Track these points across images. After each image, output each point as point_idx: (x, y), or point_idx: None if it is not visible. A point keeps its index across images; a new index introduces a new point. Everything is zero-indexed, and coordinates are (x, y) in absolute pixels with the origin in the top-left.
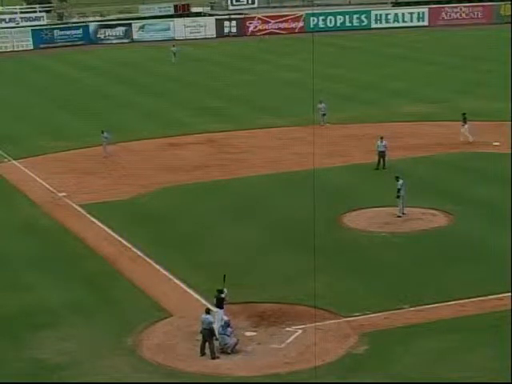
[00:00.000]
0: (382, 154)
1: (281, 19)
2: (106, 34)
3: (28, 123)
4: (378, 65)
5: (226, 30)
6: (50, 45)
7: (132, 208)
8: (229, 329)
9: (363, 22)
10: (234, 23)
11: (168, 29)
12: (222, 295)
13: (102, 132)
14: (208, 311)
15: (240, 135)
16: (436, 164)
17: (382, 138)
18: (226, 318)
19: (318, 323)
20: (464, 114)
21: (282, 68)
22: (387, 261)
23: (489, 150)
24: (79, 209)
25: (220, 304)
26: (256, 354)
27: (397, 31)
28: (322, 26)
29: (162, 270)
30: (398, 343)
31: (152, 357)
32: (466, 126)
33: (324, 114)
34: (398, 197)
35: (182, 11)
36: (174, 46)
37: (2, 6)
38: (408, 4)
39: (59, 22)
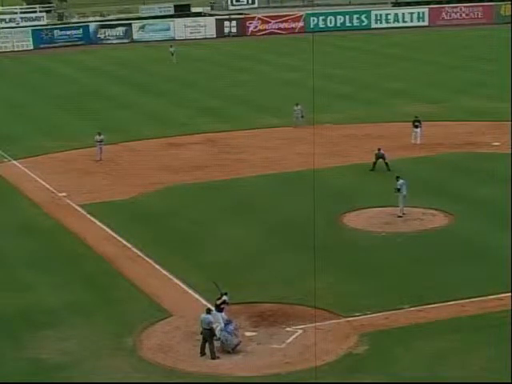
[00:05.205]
0: (381, 158)
1: (281, 19)
2: (106, 34)
3: (28, 123)
4: (377, 65)
5: (226, 30)
6: (50, 45)
7: (132, 208)
8: (230, 326)
9: (363, 21)
10: (234, 23)
11: (168, 29)
12: (223, 298)
13: (99, 134)
14: (208, 311)
15: (240, 135)
16: (436, 164)
17: (379, 149)
18: (226, 317)
19: (318, 323)
20: (417, 117)
21: (282, 68)
22: (387, 261)
23: (489, 150)
24: (79, 209)
25: (219, 307)
26: (256, 354)
27: (397, 31)
28: (322, 26)
29: (161, 269)
30: (398, 343)
31: (152, 357)
32: (418, 129)
33: (302, 117)
34: (397, 195)
35: (182, 11)
36: (171, 46)
37: (2, 5)
38: (408, 4)
39: (59, 22)
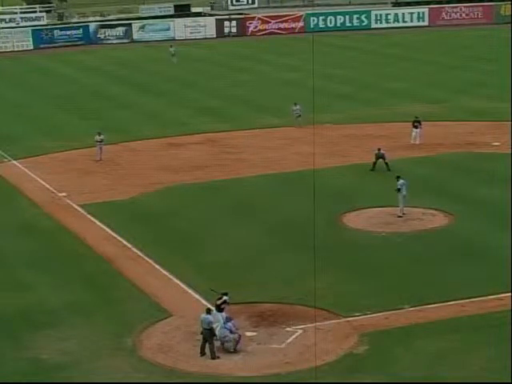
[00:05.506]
0: (381, 158)
1: (281, 19)
2: (106, 34)
3: (28, 123)
4: (378, 65)
5: (226, 30)
6: (50, 45)
7: (132, 208)
8: (229, 323)
9: (363, 22)
10: (234, 23)
11: (168, 29)
12: (223, 298)
13: (99, 134)
14: (208, 311)
15: (240, 135)
16: (436, 164)
17: (379, 149)
18: (226, 315)
19: (318, 323)
20: (417, 117)
21: (282, 68)
22: (387, 261)
23: (489, 150)
24: (79, 209)
25: (220, 307)
26: (256, 354)
27: (397, 31)
28: (322, 26)
29: (161, 269)
30: (398, 343)
31: (152, 357)
32: (418, 129)
33: (299, 116)
34: (397, 195)
35: (182, 11)
36: (171, 46)
37: (2, 5)
38: (408, 4)
39: (59, 22)
